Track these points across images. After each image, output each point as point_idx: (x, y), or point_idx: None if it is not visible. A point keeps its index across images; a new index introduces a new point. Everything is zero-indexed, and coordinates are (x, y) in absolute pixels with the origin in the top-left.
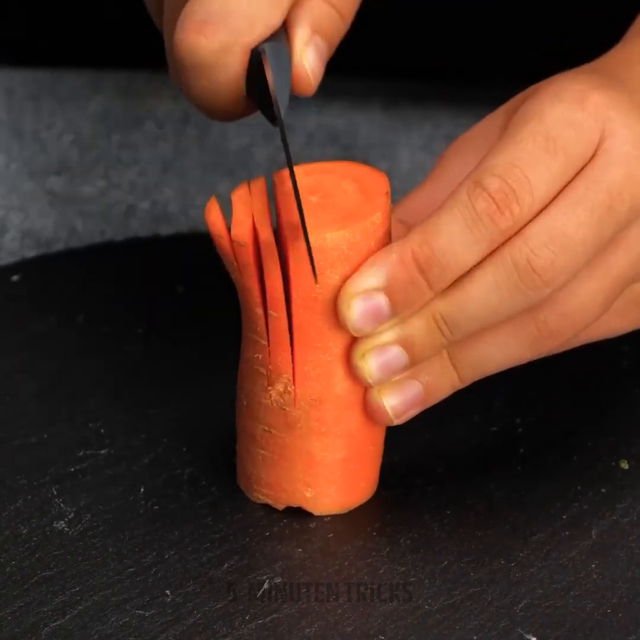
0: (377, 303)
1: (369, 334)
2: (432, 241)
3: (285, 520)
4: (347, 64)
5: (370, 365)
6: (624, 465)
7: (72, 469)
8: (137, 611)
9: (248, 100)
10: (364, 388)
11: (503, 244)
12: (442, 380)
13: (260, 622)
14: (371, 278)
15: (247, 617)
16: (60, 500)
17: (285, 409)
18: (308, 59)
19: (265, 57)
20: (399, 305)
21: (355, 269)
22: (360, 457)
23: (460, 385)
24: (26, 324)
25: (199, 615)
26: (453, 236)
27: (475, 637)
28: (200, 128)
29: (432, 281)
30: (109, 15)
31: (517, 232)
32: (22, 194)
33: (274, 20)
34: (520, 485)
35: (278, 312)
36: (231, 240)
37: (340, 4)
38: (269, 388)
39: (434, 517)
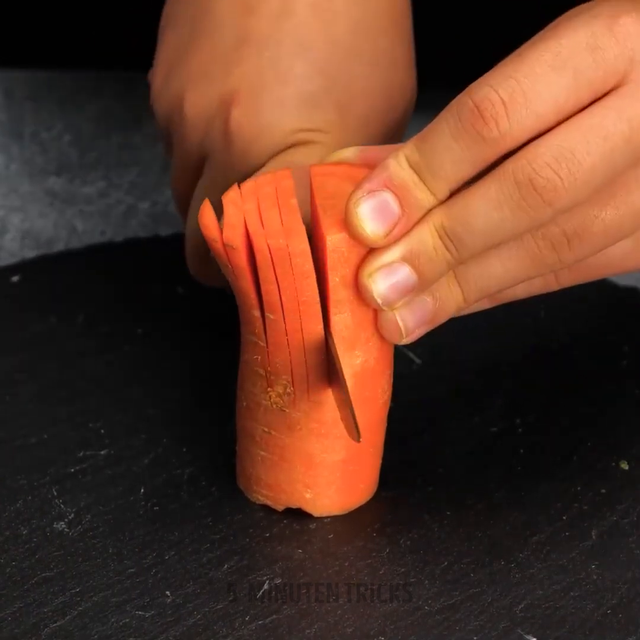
0: (383, 199)
1: (380, 234)
2: (421, 147)
3: (285, 521)
4: None
5: (378, 284)
6: (624, 465)
7: (72, 470)
8: (137, 612)
9: None
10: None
11: (508, 160)
12: (448, 299)
13: (260, 622)
14: (374, 180)
15: (247, 618)
16: (61, 500)
17: (284, 411)
18: None
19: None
20: (403, 203)
21: (355, 271)
22: (360, 458)
23: (465, 306)
24: (26, 324)
25: (199, 616)
26: (440, 144)
27: (475, 638)
28: None
29: (428, 183)
30: (108, 16)
31: (523, 149)
32: (22, 194)
33: None
34: (520, 485)
35: (275, 315)
36: (224, 244)
37: None
38: (269, 389)
39: (434, 517)
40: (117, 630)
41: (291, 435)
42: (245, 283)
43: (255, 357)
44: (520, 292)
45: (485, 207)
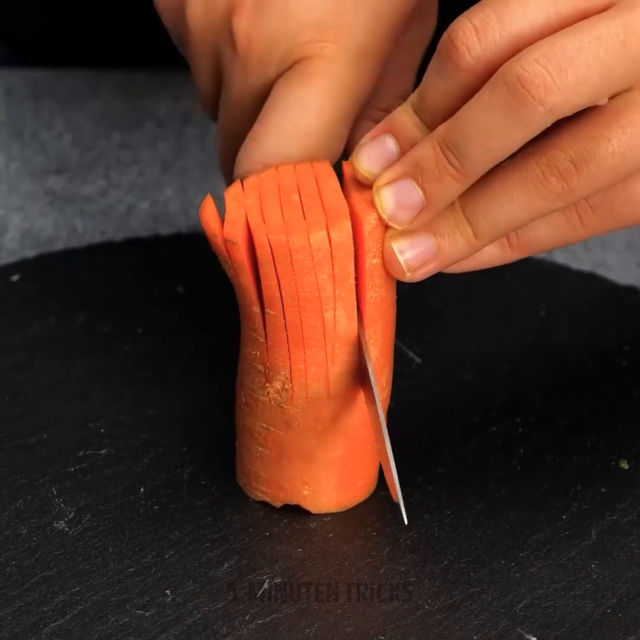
0: (382, 141)
1: (375, 172)
2: (420, 89)
3: (285, 520)
4: None
5: (384, 197)
6: (624, 465)
7: (72, 469)
8: (137, 611)
9: None
10: (361, 385)
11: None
12: (457, 236)
13: (260, 622)
14: (379, 127)
15: (247, 617)
16: (61, 500)
17: (282, 407)
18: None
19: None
20: (401, 142)
21: (346, 269)
22: (359, 455)
23: (477, 243)
24: (26, 324)
25: (198, 615)
26: (428, 81)
27: (475, 637)
28: (200, 128)
29: (424, 118)
30: (108, 15)
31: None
32: (22, 194)
33: (334, 143)
34: (520, 485)
35: (275, 310)
36: (224, 239)
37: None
38: (267, 385)
39: (434, 517)
40: (117, 629)
41: (289, 432)
42: (245, 279)
43: (254, 352)
44: (545, 237)
45: (480, 113)
